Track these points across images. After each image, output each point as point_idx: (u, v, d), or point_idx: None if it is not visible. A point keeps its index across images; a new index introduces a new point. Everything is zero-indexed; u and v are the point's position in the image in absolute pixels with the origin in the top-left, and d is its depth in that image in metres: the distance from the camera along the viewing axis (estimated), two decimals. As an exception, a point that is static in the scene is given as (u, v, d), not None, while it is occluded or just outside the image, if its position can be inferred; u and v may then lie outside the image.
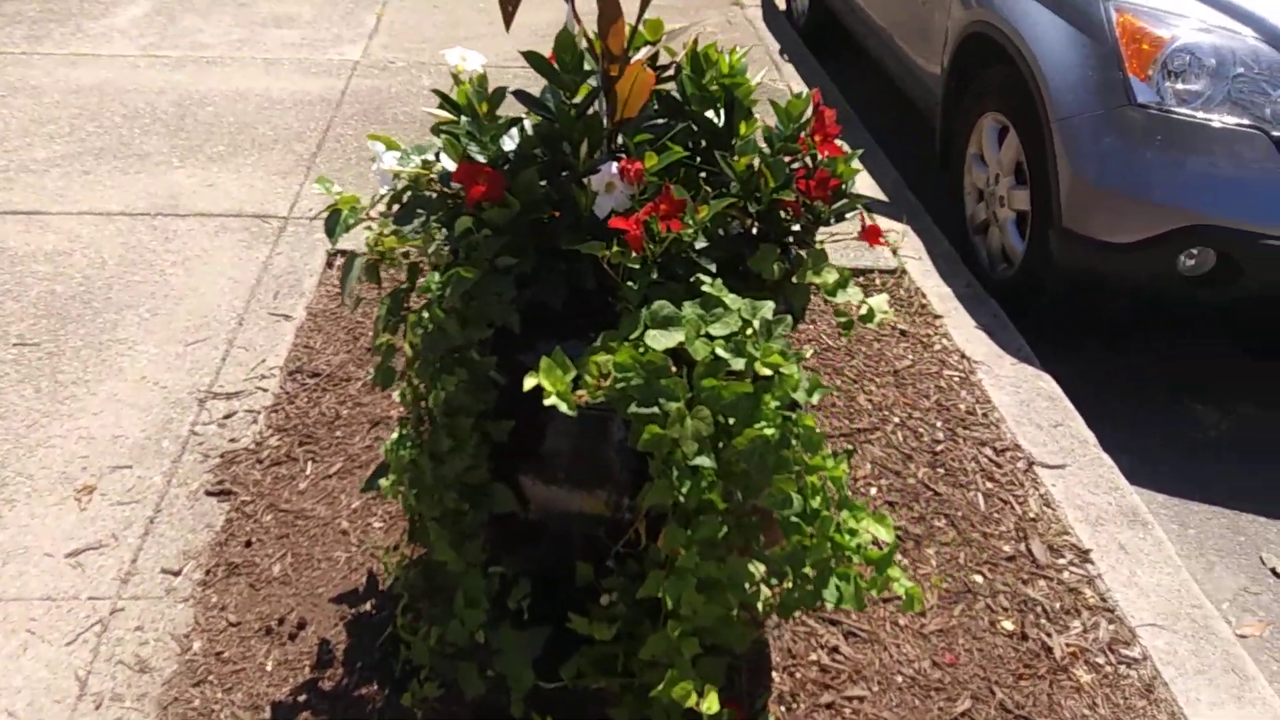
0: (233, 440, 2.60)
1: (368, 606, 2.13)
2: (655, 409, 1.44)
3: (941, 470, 2.61)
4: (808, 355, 2.89)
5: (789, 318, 1.52)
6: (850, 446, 1.61)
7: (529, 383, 1.38)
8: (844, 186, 1.64)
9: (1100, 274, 3.15)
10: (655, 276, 1.53)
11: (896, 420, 2.77)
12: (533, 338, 1.59)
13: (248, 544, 2.31)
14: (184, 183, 3.80)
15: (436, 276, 1.52)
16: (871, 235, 1.67)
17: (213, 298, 3.15)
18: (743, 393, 1.45)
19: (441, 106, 1.70)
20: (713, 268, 1.53)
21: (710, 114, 1.71)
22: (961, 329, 3.22)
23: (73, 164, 3.85)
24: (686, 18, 5.80)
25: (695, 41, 1.80)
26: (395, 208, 1.73)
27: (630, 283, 1.51)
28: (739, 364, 1.47)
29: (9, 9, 5.39)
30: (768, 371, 1.45)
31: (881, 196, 3.99)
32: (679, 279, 1.54)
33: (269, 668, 2.04)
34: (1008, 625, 2.20)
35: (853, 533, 1.53)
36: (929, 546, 2.37)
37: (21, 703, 1.96)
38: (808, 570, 1.51)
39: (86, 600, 2.16)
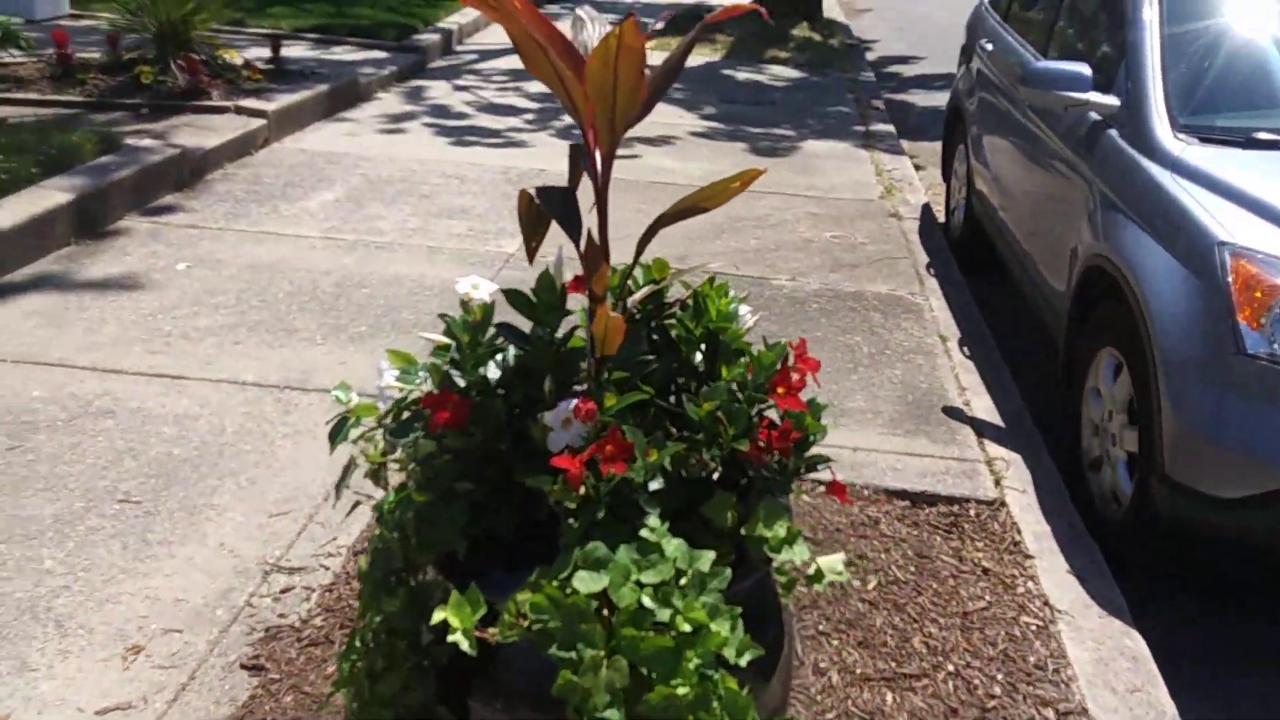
0: (281, 615, 2.70)
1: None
2: (573, 654, 1.42)
3: (989, 730, 2.43)
4: (869, 587, 2.79)
5: (726, 571, 1.48)
6: (787, 716, 1.53)
7: (436, 616, 1.39)
8: (810, 439, 1.61)
9: (1205, 527, 2.92)
10: (602, 516, 1.53)
11: (951, 668, 2.61)
12: (485, 564, 1.61)
13: (263, 723, 2.36)
14: (320, 359, 4.06)
15: (391, 497, 1.57)
16: (837, 491, 1.62)
17: (310, 473, 3.31)
18: (662, 646, 1.42)
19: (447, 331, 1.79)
20: (655, 511, 1.52)
21: (699, 356, 1.73)
22: (1052, 573, 3.03)
23: (228, 334, 4.18)
24: (841, 227, 5.90)
25: (711, 281, 1.84)
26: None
27: (571, 520, 1.51)
28: (664, 615, 1.44)
29: (220, 188, 5.98)
30: (688, 627, 1.41)
31: (998, 422, 3.86)
32: (626, 520, 1.54)
33: None
34: None
35: (771, 806, 1.44)
36: (952, 817, 2.19)
37: None
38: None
39: (100, 761, 2.25)
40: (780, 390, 1.57)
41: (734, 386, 1.62)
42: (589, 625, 1.43)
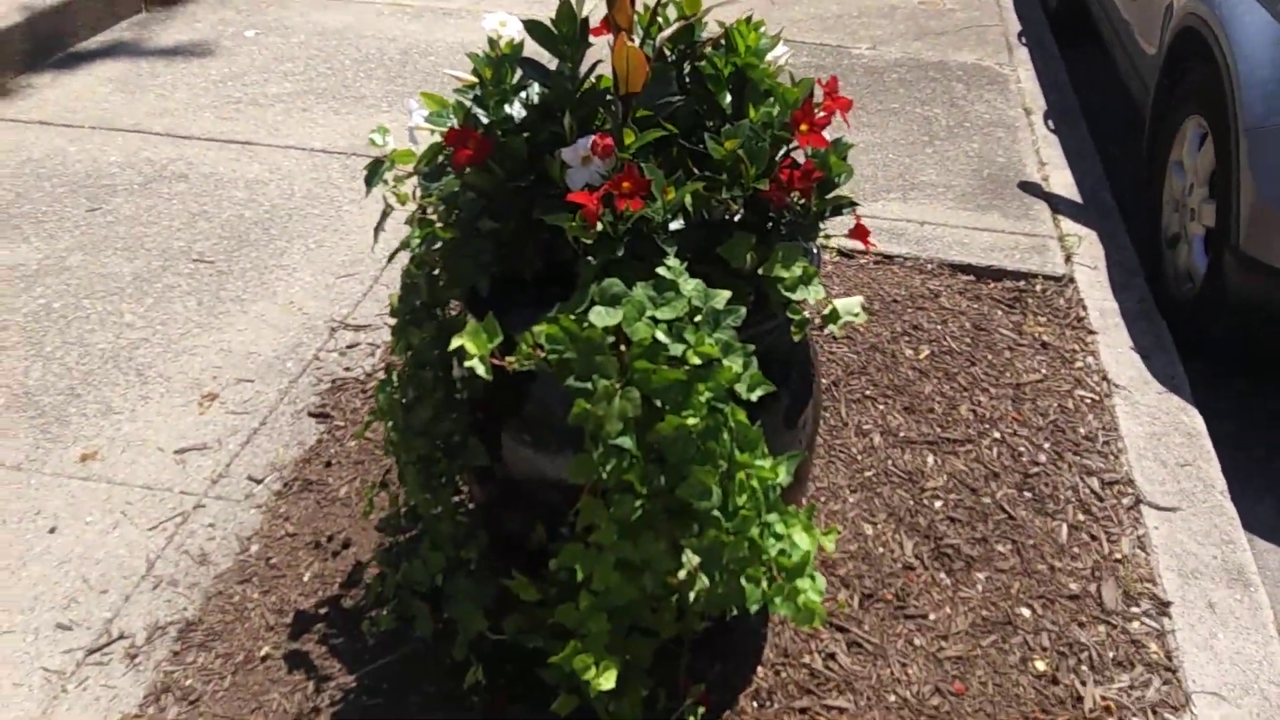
0: (347, 369, 2.80)
1: (402, 538, 2.26)
2: (589, 385, 1.46)
3: (1028, 494, 2.45)
4: (921, 356, 2.78)
5: (741, 309, 1.49)
6: (797, 453, 1.55)
7: (454, 343, 1.43)
8: (834, 180, 1.57)
9: (1276, 306, 2.83)
10: (619, 254, 1.53)
11: (996, 435, 2.62)
12: (509, 303, 1.64)
13: (327, 464, 2.50)
14: (386, 126, 4.06)
15: (417, 233, 1.59)
16: (860, 234, 1.59)
17: (375, 235, 3.37)
18: (674, 379, 1.44)
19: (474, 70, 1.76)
20: (672, 250, 1.52)
21: (729, 98, 1.68)
22: (1114, 348, 2.98)
23: (295, 101, 4.20)
24: (931, -6, 5.59)
25: (749, 18, 1.77)
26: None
27: (590, 258, 1.52)
28: (677, 349, 1.46)
29: (291, -45, 5.87)
30: (698, 360, 1.43)
31: (1076, 198, 3.72)
32: (645, 259, 1.54)
33: (305, 578, 2.21)
34: (1040, 665, 2.06)
35: (777, 537, 1.49)
36: (981, 570, 2.24)
37: (96, 573, 2.22)
38: (725, 569, 1.48)
39: (177, 494, 2.41)
40: (803, 126, 1.52)
41: (759, 126, 1.58)
42: (603, 357, 1.45)
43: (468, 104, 1.65)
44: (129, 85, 4.28)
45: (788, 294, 1.51)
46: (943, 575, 2.23)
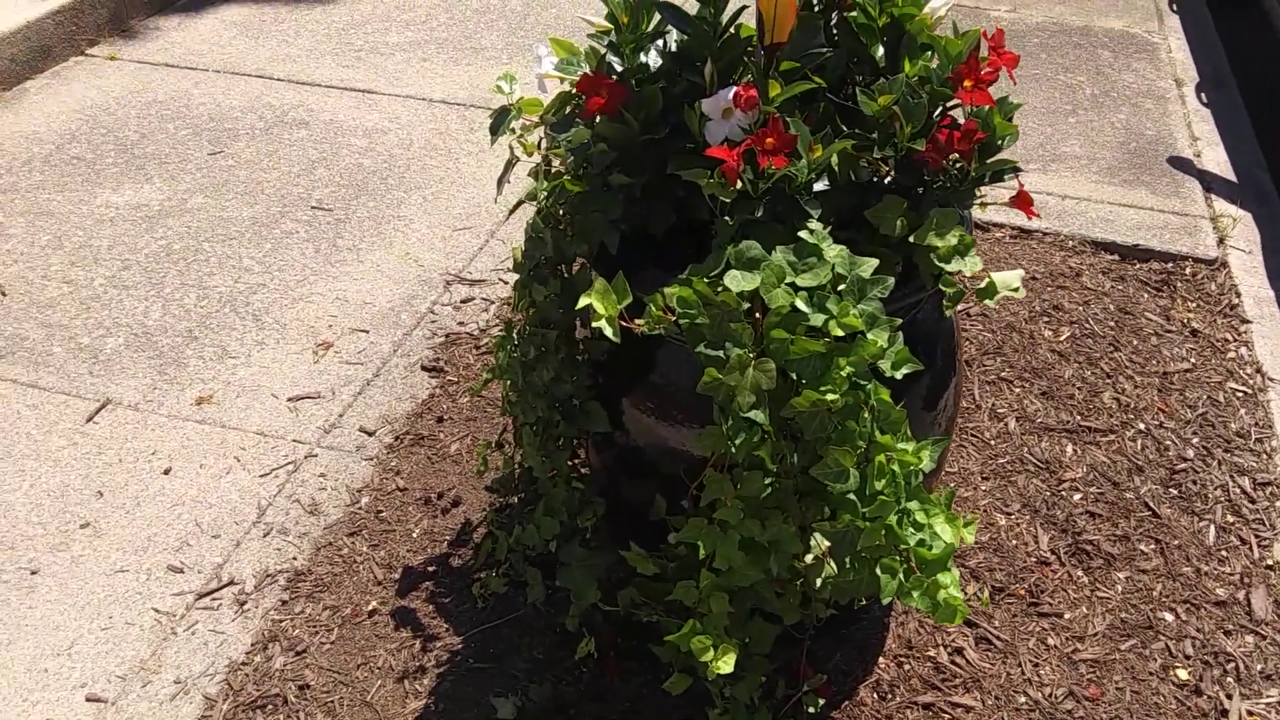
0: (461, 324, 2.76)
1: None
2: (721, 353, 1.37)
3: (1174, 492, 2.29)
4: (1061, 338, 2.62)
5: (889, 279, 1.37)
6: (941, 438, 1.44)
7: (582, 302, 1.35)
8: (997, 142, 1.44)
9: None
10: (759, 214, 1.43)
11: (1141, 427, 2.45)
12: (639, 262, 1.55)
13: (439, 420, 2.45)
14: (513, 74, 4.00)
15: (544, 185, 1.51)
16: (1023, 203, 1.46)
17: (492, 190, 3.31)
18: (813, 351, 1.34)
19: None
20: (816, 212, 1.41)
21: (881, 50, 1.56)
22: (1270, 339, 2.78)
23: (416, 50, 4.16)
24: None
25: None
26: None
27: (727, 218, 1.42)
28: (818, 320, 1.35)
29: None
30: (840, 332, 1.32)
31: (1231, 176, 3.48)
32: (785, 221, 1.44)
33: (415, 534, 2.17)
34: (1182, 674, 1.91)
35: (917, 526, 1.38)
36: (1121, 569, 2.10)
37: (209, 517, 2.21)
38: (859, 556, 1.38)
39: (290, 442, 2.39)
40: (967, 84, 1.39)
41: (915, 81, 1.45)
42: (738, 325, 1.36)
43: (601, 50, 1.55)
44: (252, 30, 4.29)
45: (941, 264, 1.39)
46: (1080, 573, 2.09)
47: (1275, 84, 4.22)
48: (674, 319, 1.37)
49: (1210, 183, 3.44)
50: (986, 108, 1.42)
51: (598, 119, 1.52)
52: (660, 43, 1.57)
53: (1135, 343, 2.72)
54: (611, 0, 1.55)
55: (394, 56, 4.11)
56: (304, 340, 2.69)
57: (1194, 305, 2.89)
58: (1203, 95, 3.97)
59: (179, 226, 3.11)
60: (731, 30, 1.57)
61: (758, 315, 1.40)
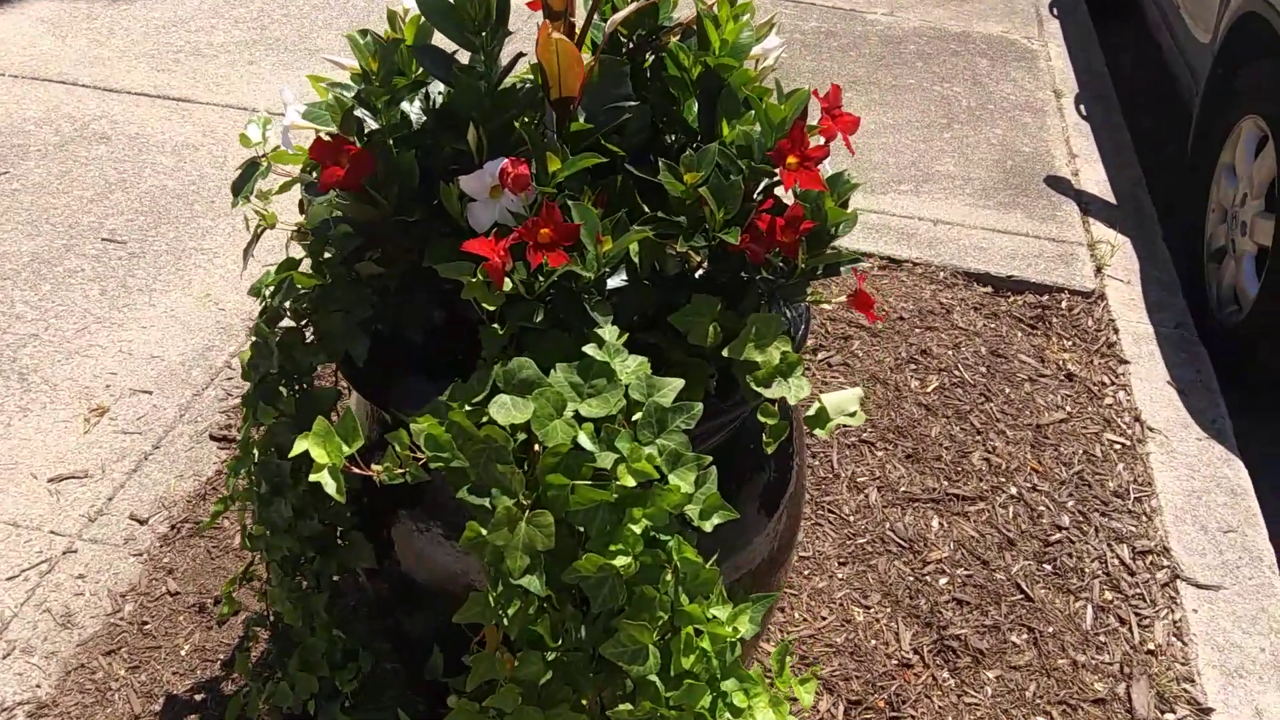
0: (263, 379, 2.42)
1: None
2: (486, 501, 1.08)
3: (1049, 568, 2.08)
4: (929, 389, 2.40)
5: (696, 407, 1.10)
6: (768, 595, 1.17)
7: (297, 447, 1.04)
8: (830, 230, 1.17)
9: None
10: (539, 320, 1.14)
11: (1013, 491, 2.24)
12: (397, 373, 1.25)
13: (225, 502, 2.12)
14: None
15: (270, 275, 1.21)
16: (862, 304, 1.20)
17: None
18: (599, 501, 1.06)
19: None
20: (608, 319, 1.13)
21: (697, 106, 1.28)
22: (1148, 382, 2.60)
23: (243, 52, 3.77)
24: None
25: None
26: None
27: (496, 325, 1.13)
28: (606, 460, 1.07)
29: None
30: (631, 482, 1.04)
31: (1110, 198, 3.32)
32: (572, 327, 1.15)
33: (184, 651, 1.85)
34: (1057, 801, 1.70)
35: (735, 711, 1.11)
36: (991, 667, 1.88)
37: (-68, 637, 1.85)
38: (662, 748, 1.11)
39: (47, 534, 2.04)
40: (790, 159, 1.12)
41: (733, 151, 1.18)
42: (506, 467, 1.07)
43: (348, 100, 1.25)
44: (62, 27, 3.85)
45: (759, 389, 1.12)
46: (945, 674, 1.86)
47: (1157, 97, 4.09)
48: (423, 461, 1.08)
49: (1088, 204, 3.27)
50: (817, 191, 1.15)
51: (338, 195, 1.22)
52: (427, 92, 1.27)
53: (1008, 391, 2.51)
54: (356, 42, 1.25)
55: (217, 59, 3.72)
56: (76, 404, 2.33)
57: (1069, 344, 2.70)
58: (1082, 108, 3.80)
59: (-57, 263, 2.70)
60: (517, 79, 1.28)
61: (536, 447, 1.12)
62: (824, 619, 1.90)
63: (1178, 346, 2.73)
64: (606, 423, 1.09)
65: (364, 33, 1.34)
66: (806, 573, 1.98)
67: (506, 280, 1.11)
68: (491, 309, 1.11)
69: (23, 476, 2.15)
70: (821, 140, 1.15)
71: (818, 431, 1.17)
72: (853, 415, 1.17)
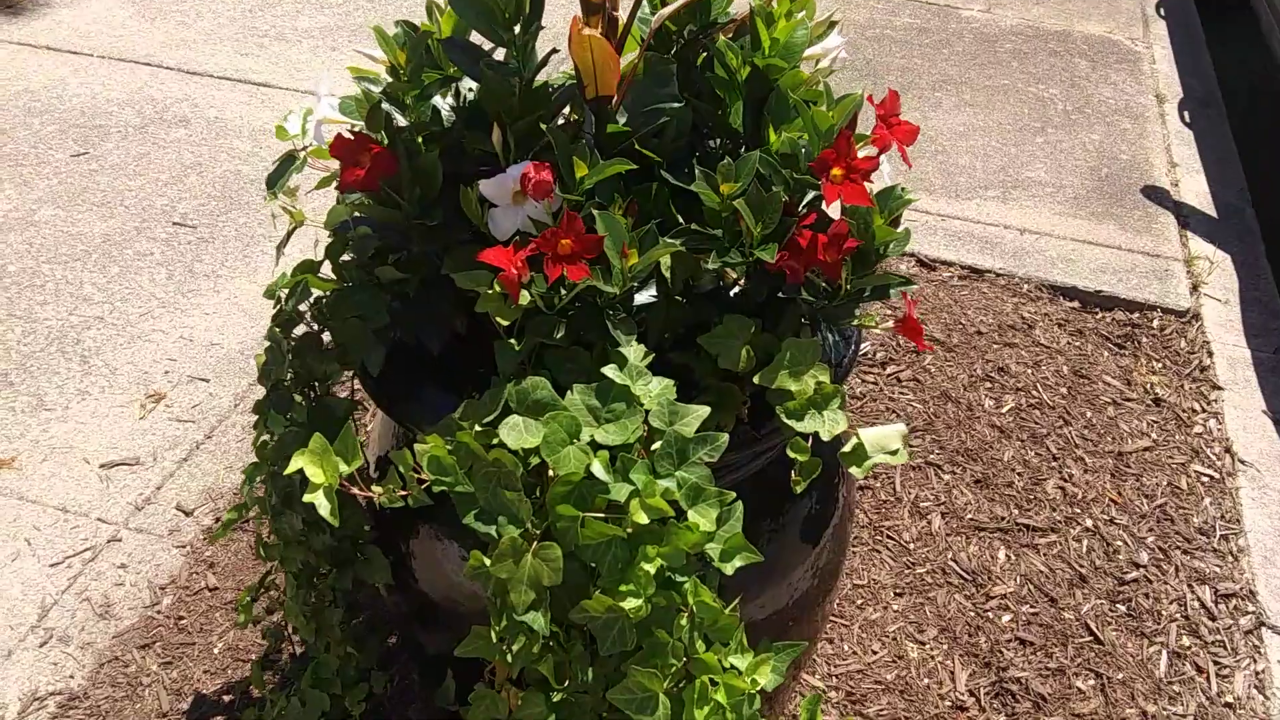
0: (318, 372, 2.39)
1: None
2: (493, 530, 1.01)
3: (1122, 608, 1.95)
4: (1004, 409, 2.28)
5: (721, 439, 1.02)
6: (794, 645, 1.09)
7: (292, 464, 0.99)
8: (877, 250, 1.08)
9: None
10: (559, 336, 1.07)
11: (1088, 523, 2.11)
12: (416, 384, 1.20)
13: (273, 496, 2.09)
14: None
15: (285, 277, 1.16)
16: (911, 331, 1.10)
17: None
18: (611, 537, 0.99)
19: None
20: (631, 337, 1.05)
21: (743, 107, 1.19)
22: (1242, 411, 2.43)
23: (327, 37, 3.77)
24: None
25: None
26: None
27: (513, 340, 1.06)
28: (620, 492, 1.00)
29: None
30: (645, 520, 0.97)
31: (1211, 211, 3.13)
32: (594, 345, 1.08)
33: (217, 650, 1.82)
34: None
35: (752, 768, 1.03)
36: (1052, 715, 1.76)
37: (-26, 619, 1.86)
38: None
39: (94, 520, 2.04)
40: (835, 171, 1.02)
41: (777, 160, 1.09)
42: (514, 495, 1.00)
43: (375, 95, 1.19)
44: (151, 9, 3.90)
45: (791, 422, 1.03)
46: None
47: (1267, 105, 3.86)
48: (425, 485, 1.02)
49: (1187, 217, 3.09)
50: (864, 207, 1.06)
51: (357, 196, 1.16)
52: (460, 87, 1.21)
53: (1089, 415, 2.37)
54: (383, 34, 1.19)
55: (300, 44, 3.72)
56: (134, 390, 2.33)
57: (1159, 367, 2.54)
58: (1185, 114, 3.61)
59: (19, 243, 2.73)
60: (550, 76, 1.21)
61: (552, 474, 1.05)
62: (875, 653, 1.80)
63: (1276, 374, 2.56)
64: (623, 451, 1.02)
65: (403, 23, 1.29)
66: (860, 602, 1.88)
67: (524, 293, 1.04)
68: (506, 323, 1.04)
69: (76, 461, 2.16)
70: (874, 151, 1.06)
71: (854, 470, 1.08)
72: (894, 453, 1.07)
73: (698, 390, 1.11)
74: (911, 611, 1.88)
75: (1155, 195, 3.17)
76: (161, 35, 3.72)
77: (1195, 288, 2.80)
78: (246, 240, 2.78)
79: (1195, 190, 3.21)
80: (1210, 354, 2.59)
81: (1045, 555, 2.02)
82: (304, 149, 1.45)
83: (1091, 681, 1.82)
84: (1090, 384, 2.45)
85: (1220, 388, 2.49)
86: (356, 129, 1.16)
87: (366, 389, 1.19)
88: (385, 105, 1.19)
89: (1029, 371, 2.46)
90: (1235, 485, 2.24)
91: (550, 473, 1.05)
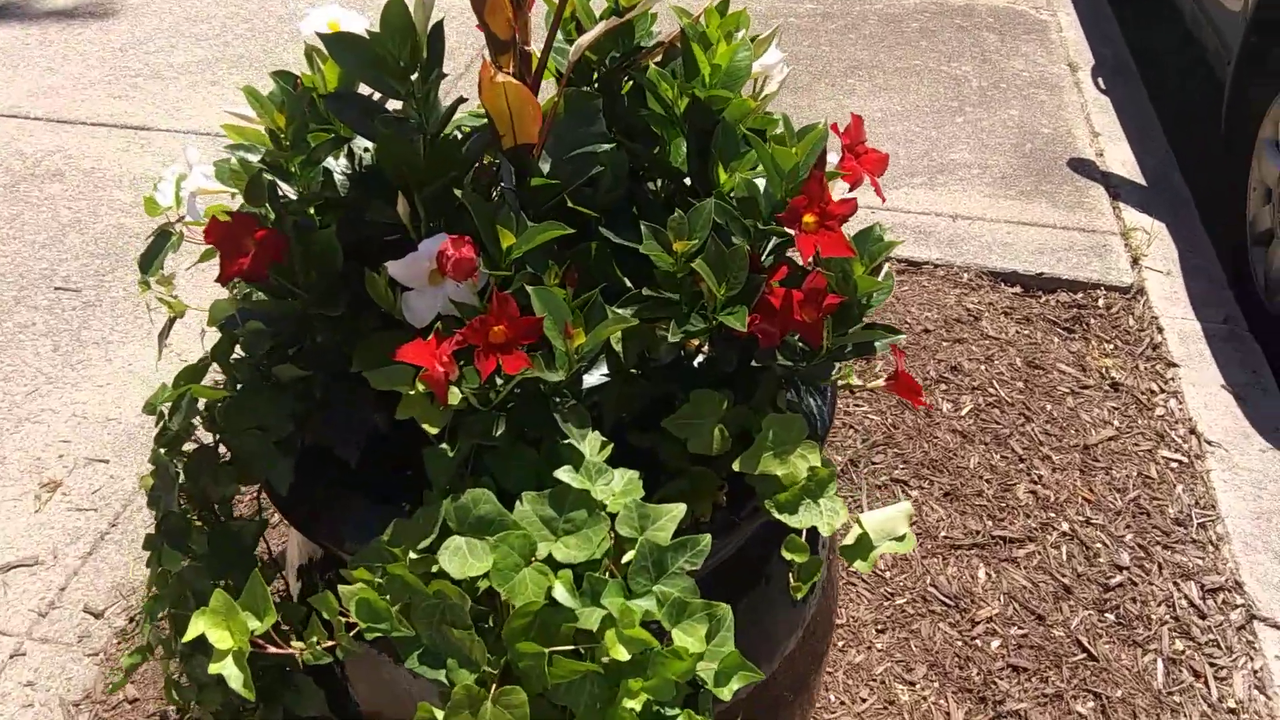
0: (229, 441, 2.20)
1: None
2: (442, 675, 0.86)
3: (1111, 617, 1.86)
4: (963, 412, 2.17)
5: (704, 540, 0.87)
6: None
7: (192, 629, 0.82)
8: (859, 303, 0.94)
9: None
10: (498, 435, 0.92)
11: (1064, 528, 2.01)
12: (334, 495, 1.03)
13: (190, 588, 1.90)
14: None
15: (166, 390, 0.99)
16: (906, 389, 0.97)
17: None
18: (586, 672, 0.84)
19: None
20: (584, 430, 0.90)
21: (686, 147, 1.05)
22: (1201, 387, 2.36)
23: (205, 72, 3.54)
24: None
25: (723, 4, 1.11)
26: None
27: (445, 445, 0.91)
28: (591, 619, 0.85)
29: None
30: (624, 656, 0.82)
31: (1139, 179, 3.07)
32: (541, 441, 0.93)
33: (141, 777, 1.63)
34: None
35: None
36: (1055, 746, 1.66)
37: None
38: None
39: (-10, 636, 1.83)
40: (808, 219, 0.88)
41: (733, 206, 0.95)
42: (463, 633, 0.85)
43: (254, 163, 1.02)
44: (13, 56, 3.63)
45: (784, 516, 0.89)
46: (1001, 760, 1.64)
47: (1179, 67, 3.82)
48: (355, 632, 0.85)
49: (1117, 188, 3.02)
50: (840, 258, 0.92)
51: (241, 287, 0.99)
52: (349, 147, 1.05)
53: (1049, 408, 2.27)
54: (253, 95, 1.02)
55: (178, 81, 3.49)
56: (25, 479, 2.11)
57: (1111, 349, 2.46)
58: (1100, 81, 3.55)
59: (-118, 326, 2.48)
60: (458, 129, 1.05)
61: (507, 600, 0.89)
62: (863, 700, 1.67)
63: (1228, 344, 2.49)
64: (589, 569, 0.87)
65: (279, 76, 1.11)
66: (841, 645, 1.76)
67: (453, 391, 0.88)
68: (434, 431, 0.88)
69: (-36, 570, 1.94)
70: (847, 190, 0.92)
71: (858, 565, 0.94)
72: (901, 539, 0.94)
73: (666, 476, 0.97)
74: (896, 649, 1.76)
75: (1082, 168, 3.10)
76: (26, 84, 3.46)
77: (1135, 261, 2.73)
78: (137, 300, 2.57)
79: (1121, 159, 3.14)
80: (1160, 330, 2.52)
81: (1026, 568, 1.92)
82: (179, 221, 1.28)
83: (1091, 703, 1.72)
84: (1045, 374, 2.36)
85: (1175, 364, 2.41)
86: (238, 204, 0.99)
87: (276, 506, 1.02)
88: (267, 175, 1.02)
89: (982, 368, 2.35)
90: (1205, 468, 2.17)
91: (505, 598, 0.89)
